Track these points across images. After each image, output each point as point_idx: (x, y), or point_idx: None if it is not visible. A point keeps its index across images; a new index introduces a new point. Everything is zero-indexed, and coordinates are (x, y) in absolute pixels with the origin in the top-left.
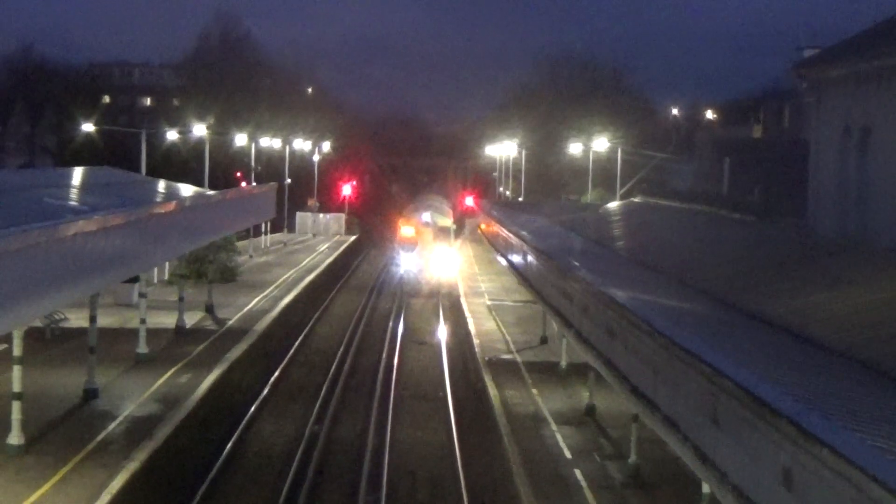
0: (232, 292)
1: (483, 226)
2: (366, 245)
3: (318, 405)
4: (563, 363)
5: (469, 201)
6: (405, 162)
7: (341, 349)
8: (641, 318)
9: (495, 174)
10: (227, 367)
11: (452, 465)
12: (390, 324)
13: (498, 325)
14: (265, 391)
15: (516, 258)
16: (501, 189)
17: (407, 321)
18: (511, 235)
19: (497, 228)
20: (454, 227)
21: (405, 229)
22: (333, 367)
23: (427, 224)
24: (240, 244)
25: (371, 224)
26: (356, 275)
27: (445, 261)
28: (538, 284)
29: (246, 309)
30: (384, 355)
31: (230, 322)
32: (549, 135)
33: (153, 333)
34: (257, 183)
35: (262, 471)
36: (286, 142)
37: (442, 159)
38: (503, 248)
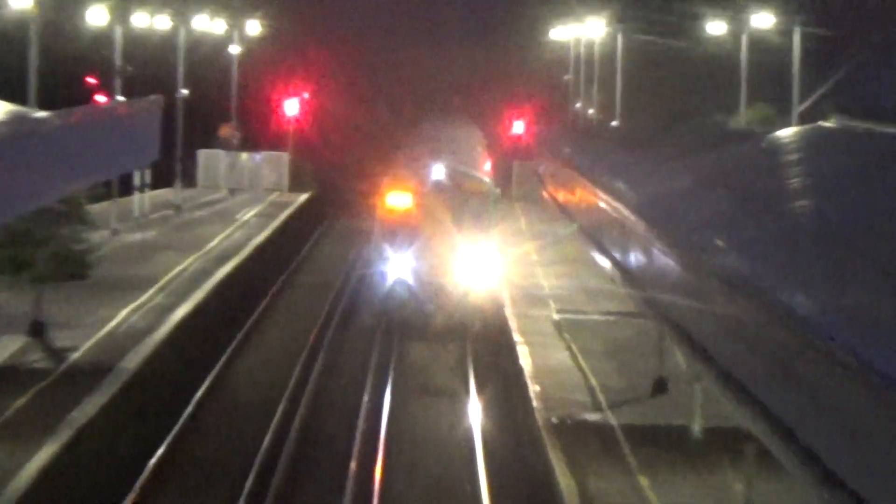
0: (81, 298)
1: (546, 179)
2: (328, 213)
3: None
4: (697, 427)
5: (519, 128)
6: (408, 57)
7: (280, 409)
8: (857, 353)
9: (568, 77)
10: (64, 444)
11: None
12: (368, 379)
13: (575, 357)
14: (135, 485)
15: (610, 237)
16: (580, 105)
17: (402, 384)
18: (599, 197)
19: (572, 181)
20: (495, 190)
21: (394, 198)
22: (265, 444)
23: (439, 187)
24: (94, 209)
25: (338, 174)
26: (308, 271)
27: (478, 269)
28: (653, 285)
29: (105, 329)
30: (359, 420)
31: (76, 354)
32: (665, 6)
33: None
34: (127, 97)
35: None
36: (179, 20)
37: (468, 49)
38: (584, 219)
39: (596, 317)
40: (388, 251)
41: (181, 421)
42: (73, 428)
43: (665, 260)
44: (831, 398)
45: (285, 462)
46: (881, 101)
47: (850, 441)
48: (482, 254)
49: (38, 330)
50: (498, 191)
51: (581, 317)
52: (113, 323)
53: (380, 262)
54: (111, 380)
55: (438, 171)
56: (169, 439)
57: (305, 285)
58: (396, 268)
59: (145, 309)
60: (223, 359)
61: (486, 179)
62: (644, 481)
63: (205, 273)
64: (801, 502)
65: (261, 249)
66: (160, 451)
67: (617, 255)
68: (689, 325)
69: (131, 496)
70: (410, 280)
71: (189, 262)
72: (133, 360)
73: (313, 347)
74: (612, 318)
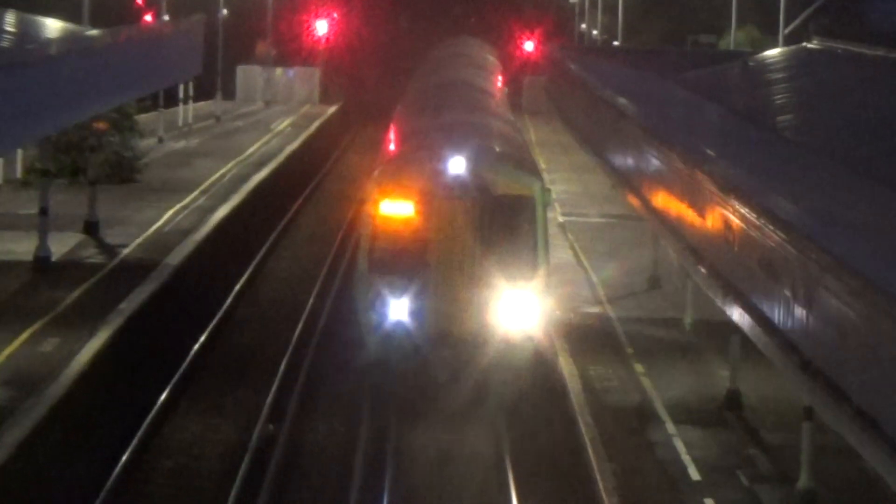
0: (130, 200)
1: (553, 93)
2: (354, 123)
3: (271, 397)
4: (688, 320)
5: (529, 47)
6: None
7: (315, 290)
8: (822, 247)
9: (575, 0)
10: (117, 329)
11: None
12: None
13: (577, 256)
14: (180, 369)
15: (609, 145)
16: (584, 27)
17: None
18: (601, 106)
19: (577, 93)
20: (542, 190)
21: (389, 208)
22: (299, 328)
23: (458, 188)
24: (142, 119)
25: (365, 88)
26: (337, 176)
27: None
28: (648, 190)
29: (153, 228)
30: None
31: (126, 250)
32: None
33: None
34: (171, 17)
35: None
36: None
37: None
38: (587, 128)
39: (597, 219)
40: (381, 292)
41: (221, 311)
42: (121, 319)
43: (661, 166)
44: (809, 293)
45: (313, 353)
46: (864, 24)
47: (827, 332)
48: (522, 299)
49: (91, 228)
50: (550, 190)
51: (584, 219)
52: (159, 222)
53: (367, 311)
54: (156, 275)
55: (457, 164)
56: (210, 328)
57: (334, 191)
58: (394, 314)
59: (189, 210)
60: (259, 255)
61: (528, 171)
62: (639, 368)
63: (243, 178)
64: (781, 392)
65: (294, 156)
66: (202, 339)
67: (617, 162)
68: (682, 226)
69: (174, 379)
70: (414, 338)
71: (229, 168)
72: (177, 257)
73: (339, 247)
74: (612, 220)
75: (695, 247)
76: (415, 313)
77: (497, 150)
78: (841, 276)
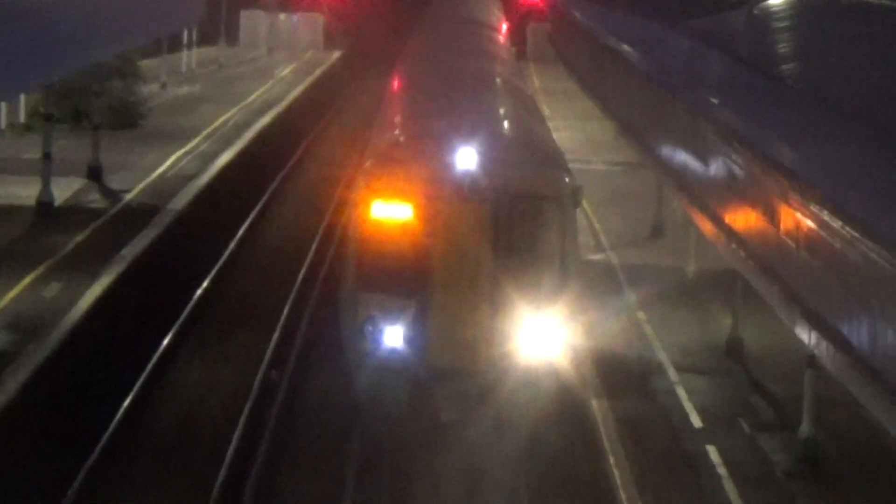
0: (133, 146)
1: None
2: (357, 70)
3: (275, 340)
4: (691, 268)
5: None
6: None
7: (315, 243)
8: (825, 193)
9: None
10: (120, 274)
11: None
12: None
13: (581, 204)
14: (183, 313)
15: (613, 93)
16: None
17: None
18: (604, 53)
19: (580, 41)
20: (569, 190)
21: (383, 211)
22: (301, 274)
23: (469, 186)
24: (145, 65)
25: (368, 35)
26: (339, 123)
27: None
28: (652, 138)
29: (156, 173)
30: None
31: (129, 195)
32: None
33: None
34: None
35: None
36: None
37: None
38: (590, 75)
39: (600, 166)
40: (372, 314)
41: (224, 257)
42: (123, 264)
43: (664, 114)
44: (811, 242)
45: (315, 301)
46: None
47: (828, 282)
48: (544, 323)
49: (95, 173)
50: (581, 188)
51: (586, 167)
52: (162, 167)
53: (355, 337)
54: (158, 220)
55: (467, 157)
56: (213, 273)
57: (336, 137)
58: (387, 341)
59: (192, 155)
60: (262, 200)
61: (555, 166)
62: (641, 315)
63: (246, 124)
64: (783, 340)
65: (297, 102)
66: (205, 284)
67: (620, 109)
68: (685, 174)
69: (176, 327)
70: (412, 371)
71: (232, 114)
72: (180, 202)
73: (342, 196)
74: (615, 167)
75: (699, 195)
76: (413, 340)
77: (517, 138)
78: (842, 222)
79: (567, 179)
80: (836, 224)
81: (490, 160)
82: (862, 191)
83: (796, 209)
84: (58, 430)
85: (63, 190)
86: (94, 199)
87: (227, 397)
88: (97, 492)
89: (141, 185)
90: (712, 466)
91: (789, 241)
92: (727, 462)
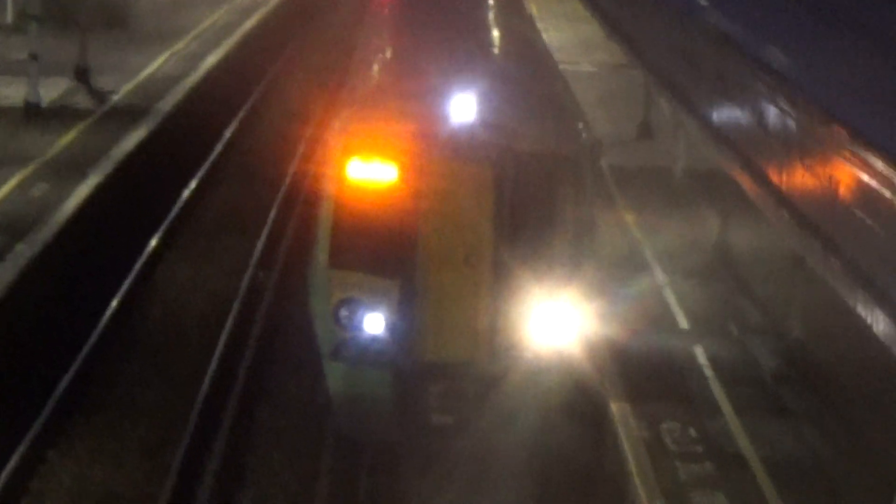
0: (120, 47)
1: None
2: None
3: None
4: (679, 168)
5: None
6: None
7: (300, 149)
8: (813, 99)
9: None
10: (108, 175)
11: None
12: None
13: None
14: (170, 214)
15: None
16: None
17: None
18: None
19: None
20: (587, 147)
21: (363, 171)
22: (289, 175)
23: (466, 145)
24: None
25: None
26: (329, 23)
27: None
28: (641, 39)
29: (144, 74)
30: None
31: (116, 96)
32: None
33: None
34: None
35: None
36: None
37: None
38: None
39: (589, 68)
40: (348, 296)
41: (210, 160)
42: (111, 165)
43: (655, 14)
44: (802, 148)
45: (302, 206)
46: None
47: (820, 187)
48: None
49: (82, 74)
50: (601, 144)
51: (574, 67)
52: (150, 69)
53: (327, 324)
54: (146, 120)
55: (463, 106)
56: (199, 177)
57: (325, 39)
58: (366, 328)
59: (179, 56)
60: (249, 102)
61: (571, 118)
62: (630, 218)
63: (233, 25)
64: (773, 243)
65: (284, 2)
66: (190, 190)
67: (610, 9)
68: (673, 75)
69: (160, 232)
70: (396, 363)
71: (219, 15)
72: (168, 103)
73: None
74: (605, 69)
75: (688, 95)
76: (397, 327)
77: (524, 85)
78: (830, 122)
79: (584, 135)
80: (824, 125)
81: (492, 111)
82: (846, 91)
83: (784, 111)
84: (46, 329)
85: (51, 90)
86: (82, 100)
87: (213, 295)
88: (87, 391)
89: (128, 86)
90: (700, 367)
91: (779, 147)
92: (713, 361)
